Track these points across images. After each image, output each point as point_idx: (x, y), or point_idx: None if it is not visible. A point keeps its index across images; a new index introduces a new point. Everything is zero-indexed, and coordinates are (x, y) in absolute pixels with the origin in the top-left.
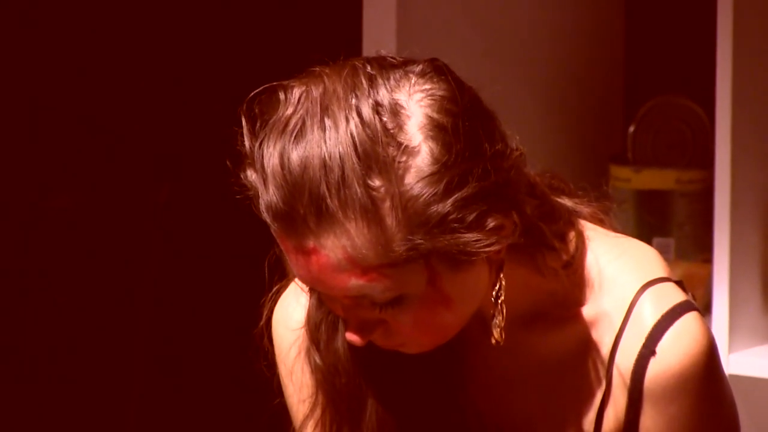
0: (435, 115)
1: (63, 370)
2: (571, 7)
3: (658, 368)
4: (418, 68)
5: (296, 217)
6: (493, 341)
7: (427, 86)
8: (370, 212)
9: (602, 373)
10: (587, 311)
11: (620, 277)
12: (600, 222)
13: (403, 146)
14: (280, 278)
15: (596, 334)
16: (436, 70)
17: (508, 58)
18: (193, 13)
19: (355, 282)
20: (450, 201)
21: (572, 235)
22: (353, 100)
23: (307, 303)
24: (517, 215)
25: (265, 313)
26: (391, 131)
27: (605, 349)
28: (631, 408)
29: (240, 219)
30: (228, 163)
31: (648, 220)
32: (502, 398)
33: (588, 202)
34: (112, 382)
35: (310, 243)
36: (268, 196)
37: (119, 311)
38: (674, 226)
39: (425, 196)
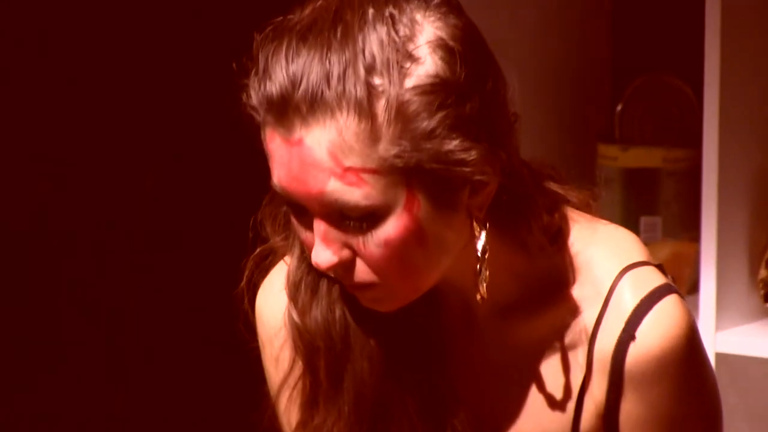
0: (446, 38)
1: (58, 365)
2: None
3: (638, 352)
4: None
5: (290, 104)
6: (478, 297)
7: (443, 12)
8: (364, 107)
9: (582, 358)
10: (567, 296)
11: (600, 262)
12: (587, 208)
13: (409, 54)
14: (263, 242)
15: (576, 319)
16: (454, 4)
17: (494, 37)
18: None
19: (333, 184)
20: (442, 117)
21: (557, 216)
22: (369, 9)
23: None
24: (505, 157)
25: (246, 273)
26: (401, 38)
27: (585, 334)
28: (611, 393)
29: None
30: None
31: (635, 199)
32: (482, 384)
33: (577, 189)
34: (102, 378)
35: (297, 133)
36: (266, 86)
37: (107, 307)
38: (661, 205)
39: (420, 104)
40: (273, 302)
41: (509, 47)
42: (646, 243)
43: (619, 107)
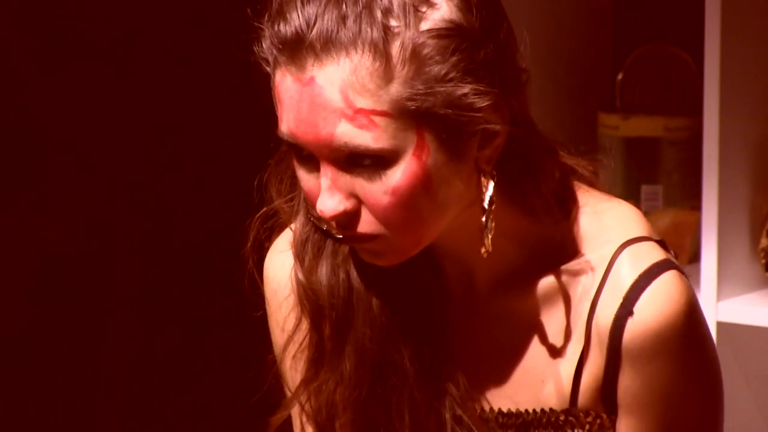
0: None
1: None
2: None
3: (636, 328)
4: None
5: (303, 43)
6: (483, 251)
7: None
8: (379, 47)
9: (581, 331)
10: (568, 268)
11: (600, 236)
12: (593, 181)
13: None
14: (269, 203)
15: (575, 293)
16: None
17: None
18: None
19: (343, 127)
20: (456, 61)
21: (566, 182)
22: None
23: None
24: (517, 108)
25: (252, 234)
26: None
27: (584, 308)
28: (609, 367)
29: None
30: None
31: (636, 168)
32: (481, 353)
33: (584, 161)
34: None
35: (309, 71)
36: (280, 27)
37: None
38: (662, 174)
39: (435, 47)
40: (280, 263)
41: (510, 16)
42: (647, 212)
43: (619, 76)
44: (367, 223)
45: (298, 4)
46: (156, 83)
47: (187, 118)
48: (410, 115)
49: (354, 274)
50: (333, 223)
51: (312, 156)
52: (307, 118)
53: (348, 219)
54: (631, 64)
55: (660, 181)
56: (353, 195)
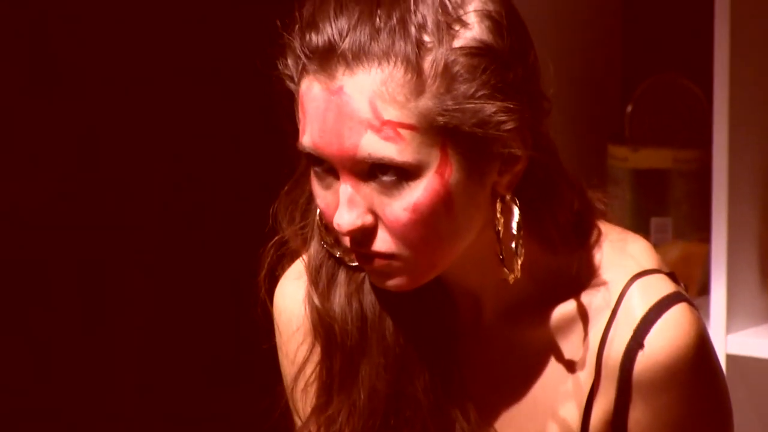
0: (494, 10)
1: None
2: None
3: (647, 361)
4: None
5: (335, 51)
6: (511, 278)
7: None
8: (412, 60)
9: (591, 364)
10: (579, 300)
11: (611, 269)
12: (601, 216)
13: (458, 18)
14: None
15: (586, 326)
16: None
17: None
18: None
19: (369, 138)
20: (486, 79)
21: (584, 212)
22: None
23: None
24: (539, 132)
25: (266, 262)
26: (453, 3)
27: (594, 341)
28: (620, 400)
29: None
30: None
31: (645, 200)
32: (491, 385)
33: (596, 195)
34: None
35: (339, 80)
36: (311, 37)
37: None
38: (672, 206)
39: (466, 65)
40: (291, 293)
41: None
42: (657, 244)
43: (629, 108)
44: (383, 241)
45: (331, 15)
46: (182, 106)
47: (210, 138)
48: (436, 131)
49: (368, 302)
50: (347, 240)
51: (331, 170)
52: (333, 127)
53: (364, 235)
54: (640, 96)
55: (669, 213)
56: (372, 211)
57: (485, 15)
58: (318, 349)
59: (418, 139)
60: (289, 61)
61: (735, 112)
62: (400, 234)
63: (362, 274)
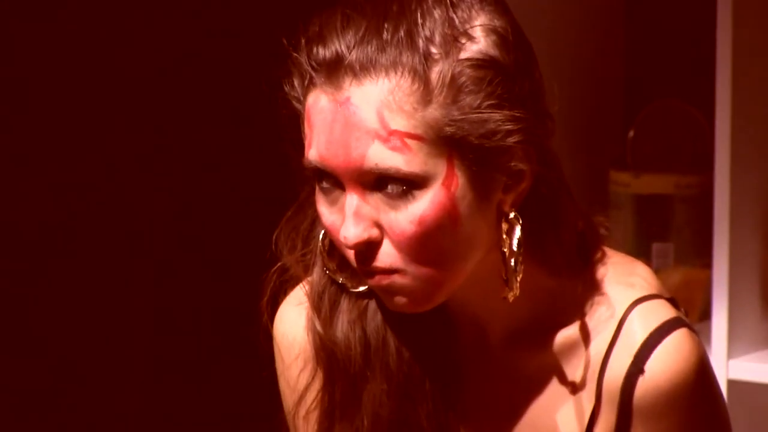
0: (500, 26)
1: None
2: (570, 11)
3: (647, 386)
4: None
5: (342, 63)
6: (511, 296)
7: (497, 9)
8: (419, 71)
9: (592, 389)
10: (580, 325)
11: (611, 294)
12: (604, 240)
13: (465, 32)
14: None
15: (586, 351)
16: (506, 6)
17: None
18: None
19: (376, 148)
20: (492, 92)
21: (587, 234)
22: None
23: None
24: (544, 149)
25: (269, 287)
26: (459, 18)
27: (595, 365)
28: (620, 425)
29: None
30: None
31: (647, 225)
32: (492, 410)
33: (598, 220)
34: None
35: (346, 91)
36: (318, 50)
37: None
38: (673, 231)
39: (472, 77)
40: (292, 319)
41: None
42: (658, 269)
43: (631, 133)
44: (387, 255)
45: (338, 29)
46: (192, 119)
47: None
48: (443, 142)
49: (371, 329)
50: (352, 255)
51: (337, 184)
52: (339, 138)
53: (369, 250)
54: (642, 122)
55: (671, 238)
56: (377, 224)
57: (491, 30)
58: (320, 376)
59: (425, 150)
60: (295, 81)
61: (737, 138)
62: (405, 247)
63: (365, 301)
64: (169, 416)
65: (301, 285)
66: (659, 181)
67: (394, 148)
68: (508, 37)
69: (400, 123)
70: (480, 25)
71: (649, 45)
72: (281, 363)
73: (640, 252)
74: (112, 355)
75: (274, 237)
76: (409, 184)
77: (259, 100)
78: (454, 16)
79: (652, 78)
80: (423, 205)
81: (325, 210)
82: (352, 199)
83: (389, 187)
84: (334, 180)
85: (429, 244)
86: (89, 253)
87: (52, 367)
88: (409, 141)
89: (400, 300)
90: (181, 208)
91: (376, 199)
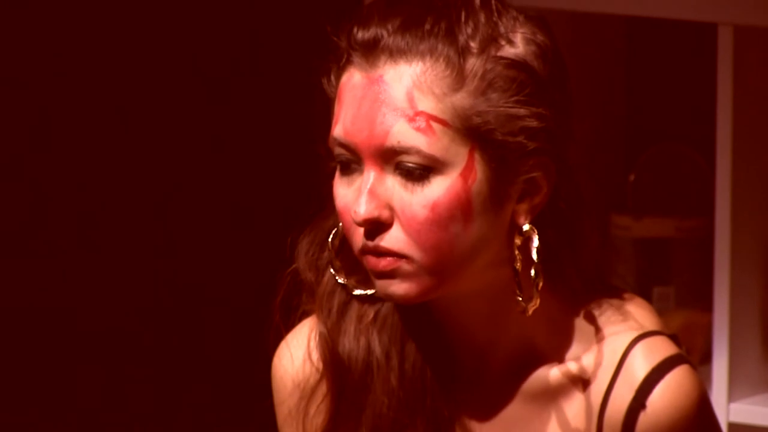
0: (541, 40)
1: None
2: (571, 53)
3: (648, 422)
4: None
5: (379, 43)
6: (530, 308)
7: (541, 24)
8: (454, 59)
9: (593, 423)
10: (579, 362)
11: (613, 330)
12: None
13: (505, 35)
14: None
15: (587, 386)
16: (548, 25)
17: None
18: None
19: (401, 126)
20: (522, 93)
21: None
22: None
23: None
24: (564, 165)
25: (283, 288)
26: (503, 24)
27: (596, 401)
28: None
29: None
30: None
31: (648, 268)
32: None
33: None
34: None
35: (381, 69)
36: (358, 31)
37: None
38: (674, 275)
39: (506, 76)
40: (290, 358)
41: None
42: (659, 313)
43: (632, 177)
44: (395, 239)
45: (381, 15)
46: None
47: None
48: (467, 132)
49: (375, 341)
50: (361, 233)
51: (357, 166)
52: (367, 114)
53: (378, 229)
54: (643, 165)
55: (672, 282)
56: (390, 208)
57: (531, 40)
58: (322, 408)
59: (449, 136)
60: (332, 67)
61: (738, 182)
62: (414, 233)
63: (372, 312)
64: (170, 416)
65: (302, 323)
66: (660, 225)
67: (418, 129)
68: (547, 50)
69: (428, 105)
70: (521, 33)
71: (650, 89)
72: (277, 394)
73: (641, 295)
74: (112, 355)
75: (289, 240)
76: (427, 168)
77: (287, 103)
78: (499, 22)
79: (653, 121)
80: (438, 191)
81: (341, 191)
82: (369, 176)
83: (407, 168)
84: (355, 160)
85: (438, 233)
86: (101, 251)
87: (52, 366)
88: (434, 124)
89: (398, 288)
90: (194, 209)
91: (392, 180)
